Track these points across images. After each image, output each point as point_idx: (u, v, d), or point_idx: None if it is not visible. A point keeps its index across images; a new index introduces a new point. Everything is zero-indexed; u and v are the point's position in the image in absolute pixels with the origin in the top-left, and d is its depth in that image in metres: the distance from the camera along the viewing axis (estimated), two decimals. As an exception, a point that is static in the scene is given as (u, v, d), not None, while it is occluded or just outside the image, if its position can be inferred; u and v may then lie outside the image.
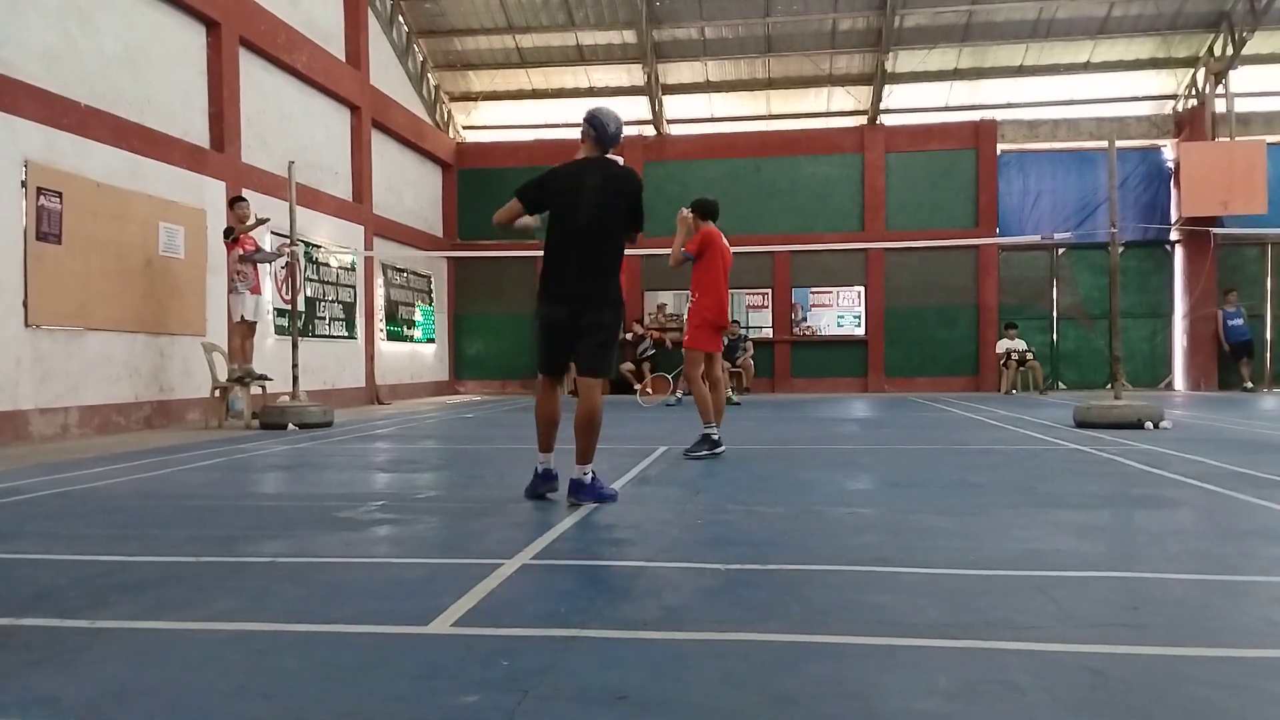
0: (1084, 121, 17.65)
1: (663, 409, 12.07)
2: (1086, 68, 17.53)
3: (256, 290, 9.88)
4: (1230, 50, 16.49)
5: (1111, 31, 16.88)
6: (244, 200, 10.14)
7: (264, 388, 10.33)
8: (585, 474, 4.43)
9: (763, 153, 18.15)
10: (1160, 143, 17.57)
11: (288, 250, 10.65)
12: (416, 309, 17.29)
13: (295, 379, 9.81)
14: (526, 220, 4.65)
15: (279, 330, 11.95)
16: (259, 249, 9.98)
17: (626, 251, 4.72)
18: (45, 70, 8.47)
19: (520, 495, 4.80)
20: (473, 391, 18.51)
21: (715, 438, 6.44)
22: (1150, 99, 17.92)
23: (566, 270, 4.38)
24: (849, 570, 3.13)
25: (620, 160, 4.58)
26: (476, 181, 18.64)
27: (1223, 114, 16.78)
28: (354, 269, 14.60)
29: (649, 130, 18.75)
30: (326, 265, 13.71)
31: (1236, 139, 16.52)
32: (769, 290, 18.19)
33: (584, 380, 4.47)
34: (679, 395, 13.30)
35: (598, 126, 4.42)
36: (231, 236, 9.71)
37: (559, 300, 4.40)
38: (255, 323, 9.94)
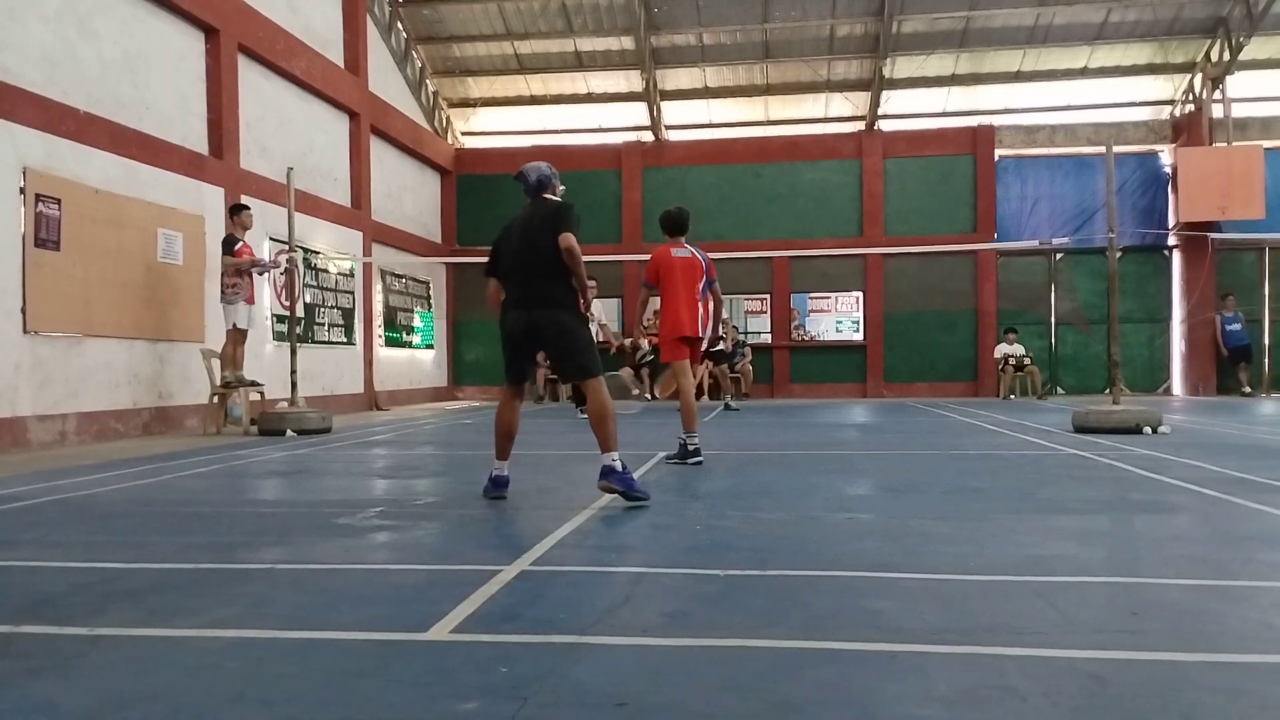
0: (1081, 127, 17.68)
1: (663, 415, 12.07)
2: (1084, 73, 17.58)
3: (250, 300, 9.85)
4: (1227, 56, 16.53)
5: (1108, 37, 16.93)
6: (247, 208, 10.13)
7: (262, 394, 10.33)
8: (613, 460, 4.60)
9: (761, 158, 18.18)
10: (1158, 148, 17.60)
11: (284, 259, 10.64)
12: (415, 315, 17.29)
13: (294, 385, 9.80)
14: None
15: (278, 336, 11.95)
16: (255, 260, 9.91)
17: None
18: (44, 77, 8.47)
19: (518, 501, 4.82)
20: (471, 397, 18.51)
21: (691, 447, 6.49)
22: (1147, 104, 17.96)
23: (515, 281, 4.84)
24: (849, 576, 3.12)
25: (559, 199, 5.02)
26: (475, 187, 18.65)
27: (1220, 119, 16.81)
28: (353, 275, 14.60)
29: (647, 136, 18.78)
30: (325, 271, 13.71)
31: (1234, 144, 16.55)
32: (767, 296, 18.20)
33: (584, 384, 4.78)
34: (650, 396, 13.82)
35: (523, 180, 5.00)
36: (230, 250, 9.67)
37: (512, 307, 4.83)
38: (247, 330, 9.92)
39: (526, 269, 4.77)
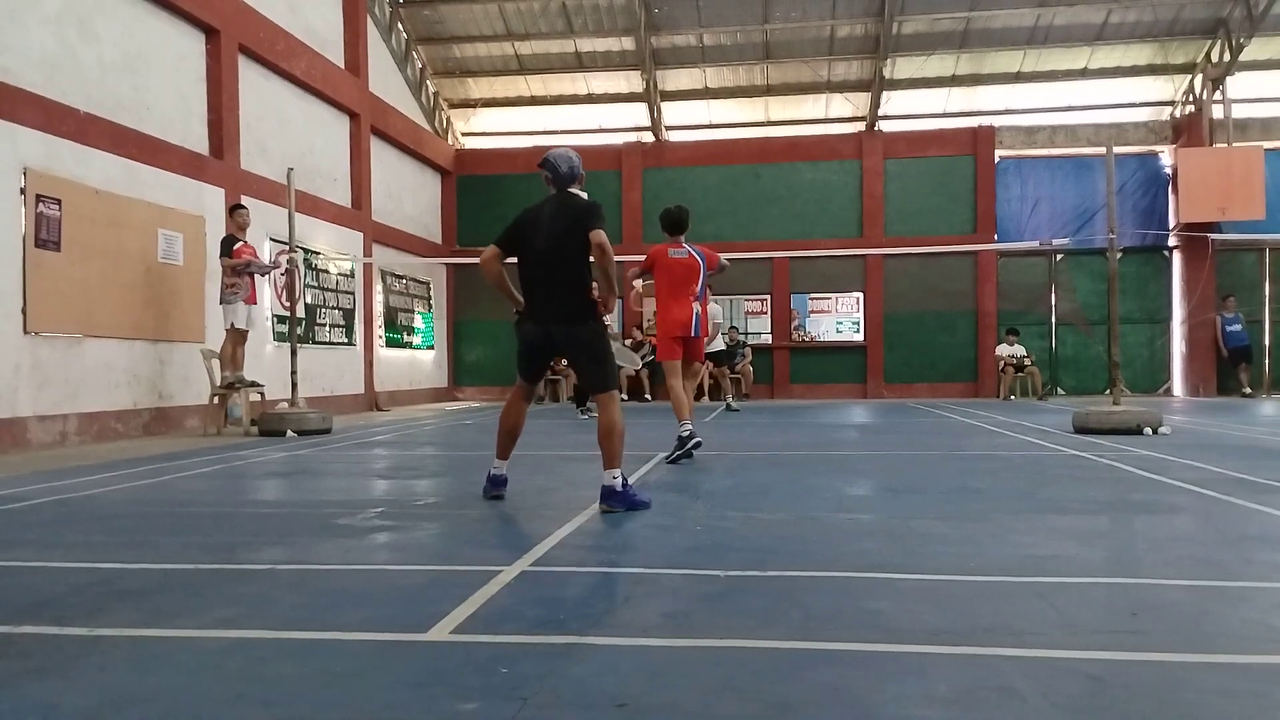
0: (1082, 128, 17.69)
1: (663, 416, 12.07)
2: (1084, 74, 17.58)
3: (251, 300, 9.84)
4: (1227, 56, 16.54)
5: (1109, 38, 16.93)
6: (244, 207, 10.13)
7: (262, 394, 10.32)
8: (615, 479, 4.45)
9: (761, 159, 18.19)
10: (1158, 149, 17.61)
11: (285, 260, 10.64)
12: (416, 315, 17.30)
13: (294, 386, 9.80)
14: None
15: (278, 337, 11.95)
16: (254, 260, 9.90)
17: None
18: (45, 78, 8.48)
19: (518, 502, 4.81)
20: (472, 398, 18.51)
21: (685, 435, 6.55)
22: (1148, 105, 17.97)
23: (535, 291, 4.66)
24: (848, 577, 3.12)
25: (584, 195, 4.81)
26: (475, 188, 18.67)
27: (1220, 120, 16.82)
28: (353, 276, 14.61)
29: (648, 137, 18.79)
30: (326, 272, 13.72)
31: (1234, 145, 16.55)
32: (768, 296, 18.20)
33: (597, 397, 4.66)
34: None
35: (551, 168, 4.74)
36: (228, 250, 9.65)
37: (532, 317, 4.69)
38: (247, 331, 9.91)
39: (550, 280, 4.59)
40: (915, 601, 2.78)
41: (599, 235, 4.50)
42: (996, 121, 17.86)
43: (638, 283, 7.60)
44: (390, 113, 16.03)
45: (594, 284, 4.68)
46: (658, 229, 7.37)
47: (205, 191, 10.65)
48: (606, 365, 4.68)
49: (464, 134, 19.63)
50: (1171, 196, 17.29)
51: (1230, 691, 2.03)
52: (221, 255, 9.71)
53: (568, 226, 4.58)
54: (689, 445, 6.50)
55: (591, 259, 4.57)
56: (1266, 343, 17.02)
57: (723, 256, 7.50)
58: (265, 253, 11.32)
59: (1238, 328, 16.62)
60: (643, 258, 7.24)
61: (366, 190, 14.95)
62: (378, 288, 15.54)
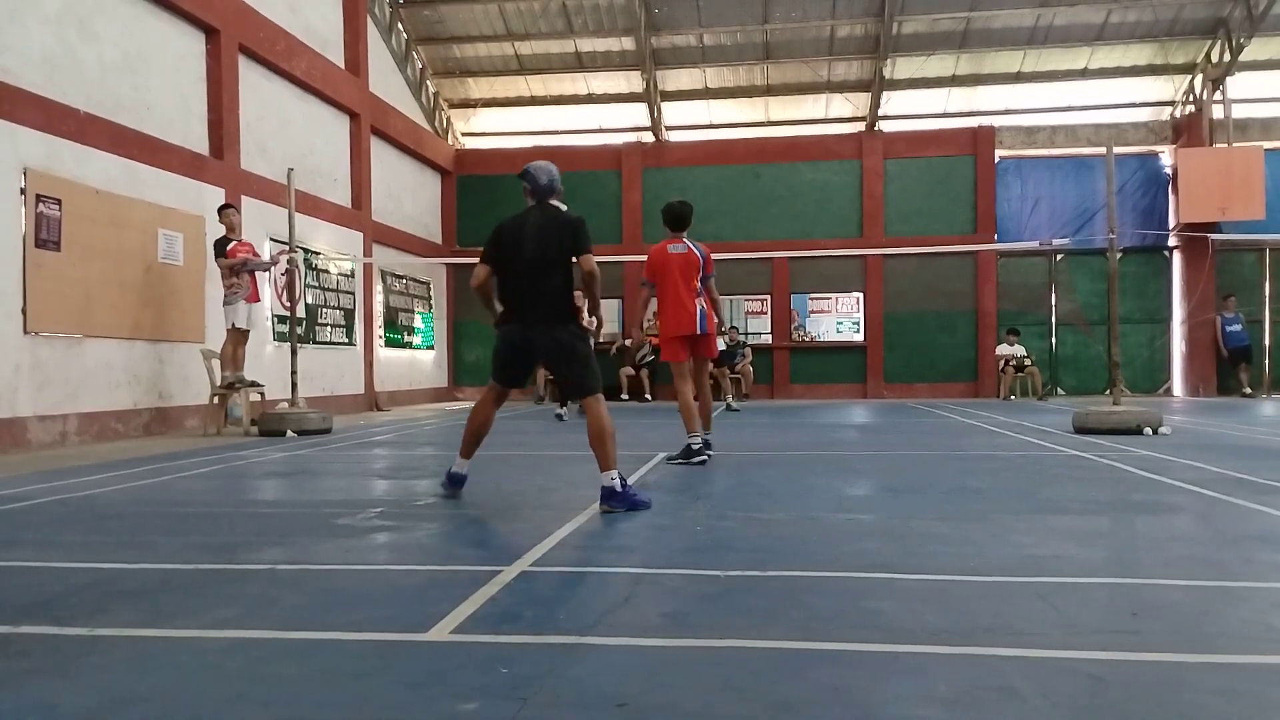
0: (1082, 128, 17.68)
1: (664, 415, 12.07)
2: (1084, 74, 17.58)
3: (253, 298, 9.84)
4: (1228, 56, 16.53)
5: (1109, 38, 16.93)
6: (231, 207, 10.11)
7: (263, 395, 10.32)
8: (613, 479, 4.45)
9: (761, 159, 18.18)
10: (1158, 149, 17.60)
11: (284, 258, 10.63)
12: (416, 315, 17.30)
13: (294, 386, 9.81)
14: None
15: (279, 337, 11.95)
16: (251, 258, 9.88)
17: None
18: (44, 78, 8.47)
19: (518, 502, 4.83)
20: (472, 398, 18.47)
21: (696, 447, 6.42)
22: (1148, 105, 17.95)
23: (517, 298, 4.70)
24: (848, 577, 3.12)
25: (564, 207, 4.85)
26: (476, 188, 18.66)
27: (1220, 120, 16.81)
28: (353, 276, 14.61)
29: (648, 137, 18.79)
30: (326, 272, 13.72)
31: (1234, 145, 16.55)
32: (768, 296, 18.20)
33: (583, 401, 4.67)
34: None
35: (530, 180, 4.80)
36: (222, 251, 9.64)
37: (512, 321, 4.73)
38: (248, 330, 9.91)
39: (534, 289, 4.62)
40: (916, 601, 2.78)
41: (589, 261, 4.60)
42: (996, 121, 17.85)
43: (649, 314, 7.35)
44: (390, 113, 16.03)
45: (577, 293, 4.71)
46: (657, 229, 7.27)
47: (205, 191, 10.65)
48: (589, 368, 4.66)
49: (464, 134, 19.62)
50: (1171, 196, 17.29)
51: (1230, 691, 2.03)
52: (217, 257, 9.71)
53: (551, 239, 4.63)
54: (694, 459, 6.36)
55: (577, 263, 4.64)
56: (1266, 343, 17.01)
57: (715, 289, 7.04)
58: (265, 253, 11.31)
59: (1238, 328, 16.62)
60: (643, 258, 7.06)
61: (366, 190, 14.95)
62: (378, 288, 15.54)
